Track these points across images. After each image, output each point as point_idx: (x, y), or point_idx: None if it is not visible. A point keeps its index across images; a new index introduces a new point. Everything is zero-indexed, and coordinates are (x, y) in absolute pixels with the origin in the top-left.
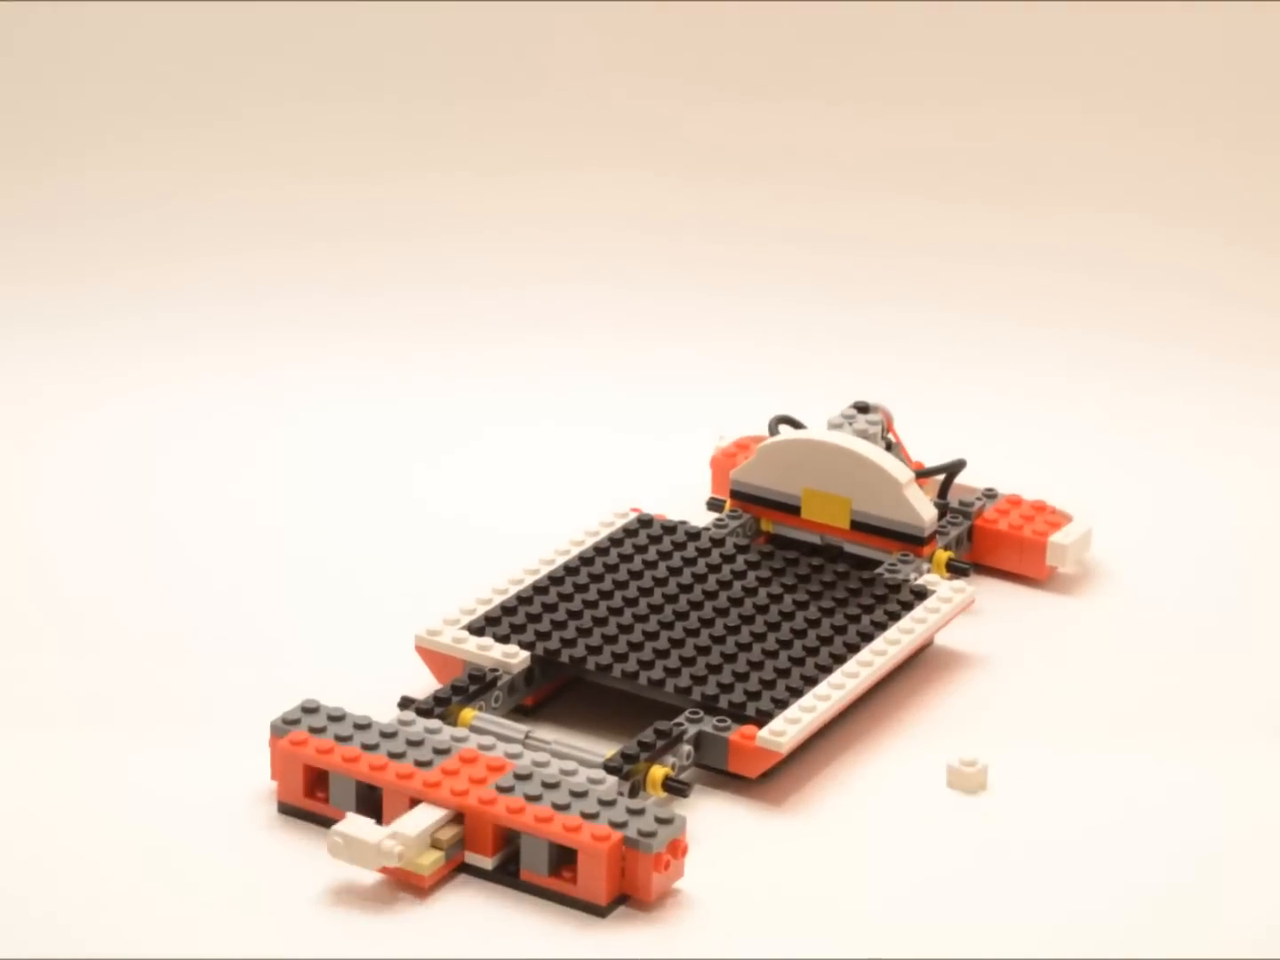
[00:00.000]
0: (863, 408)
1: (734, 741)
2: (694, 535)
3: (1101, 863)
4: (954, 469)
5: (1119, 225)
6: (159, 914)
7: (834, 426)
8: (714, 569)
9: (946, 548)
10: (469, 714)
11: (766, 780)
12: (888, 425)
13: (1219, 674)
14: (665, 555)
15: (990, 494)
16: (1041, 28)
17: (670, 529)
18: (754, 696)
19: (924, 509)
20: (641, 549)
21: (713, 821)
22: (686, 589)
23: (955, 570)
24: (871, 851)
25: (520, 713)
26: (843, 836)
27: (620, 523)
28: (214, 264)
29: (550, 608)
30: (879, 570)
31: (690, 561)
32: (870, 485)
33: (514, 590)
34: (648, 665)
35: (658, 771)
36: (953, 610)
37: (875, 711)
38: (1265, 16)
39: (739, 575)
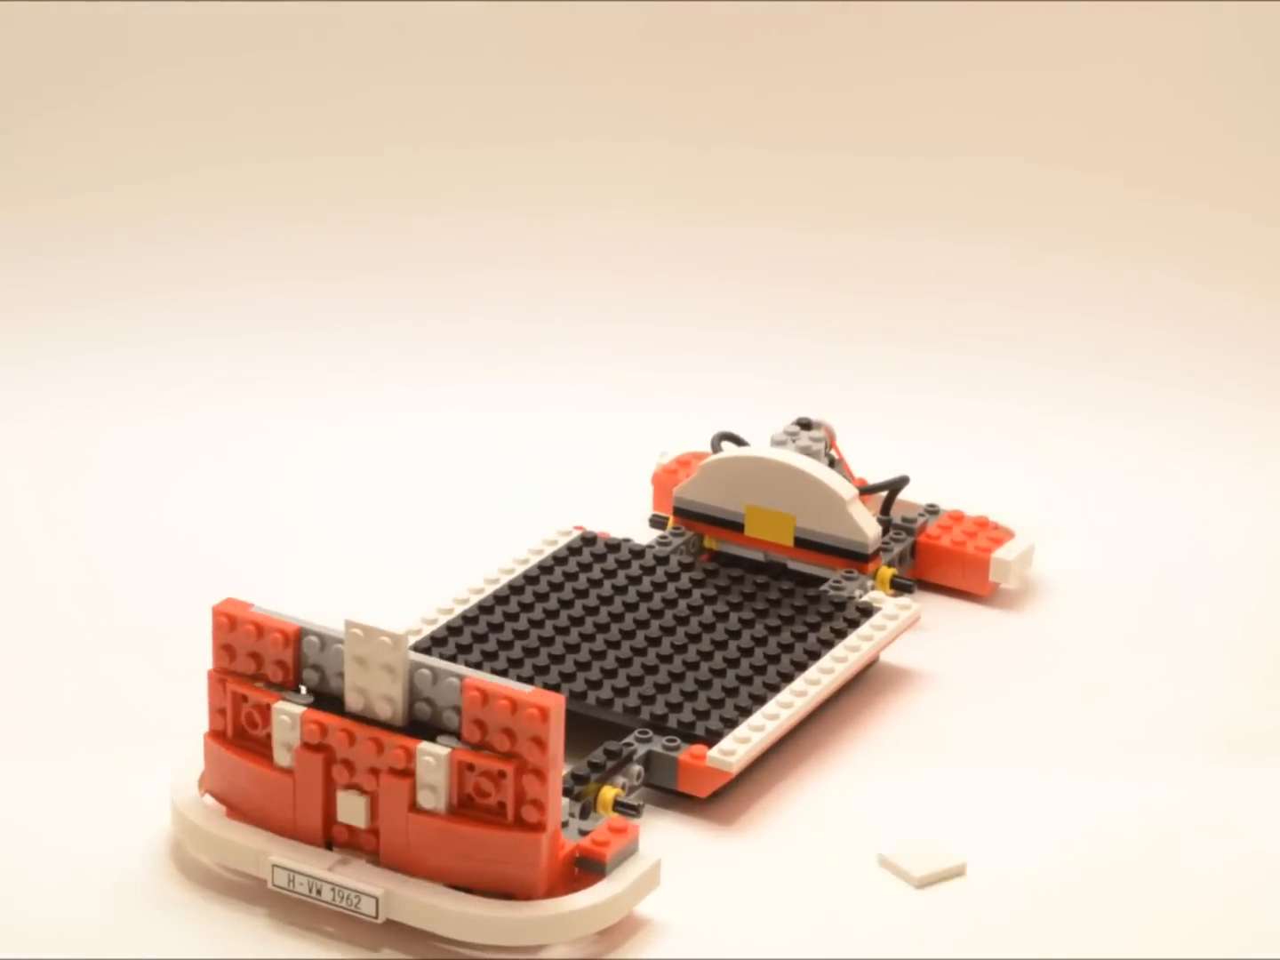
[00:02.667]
0: (805, 424)
1: (684, 761)
2: (638, 553)
3: (1047, 875)
4: (897, 485)
5: (1060, 254)
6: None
7: (777, 443)
8: (658, 587)
9: (890, 564)
10: None
11: (715, 800)
12: (830, 442)
13: (1162, 690)
14: (609, 574)
15: (932, 510)
16: (1009, 63)
17: (614, 547)
18: (703, 716)
19: (868, 526)
20: (586, 567)
21: (662, 841)
22: (631, 608)
23: (899, 587)
24: (820, 871)
25: None
26: (791, 856)
27: (564, 541)
28: (195, 283)
29: (496, 627)
30: (824, 588)
31: (634, 580)
32: (814, 502)
33: (459, 610)
34: (595, 685)
35: (608, 792)
36: (899, 627)
37: (822, 730)
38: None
39: (684, 593)
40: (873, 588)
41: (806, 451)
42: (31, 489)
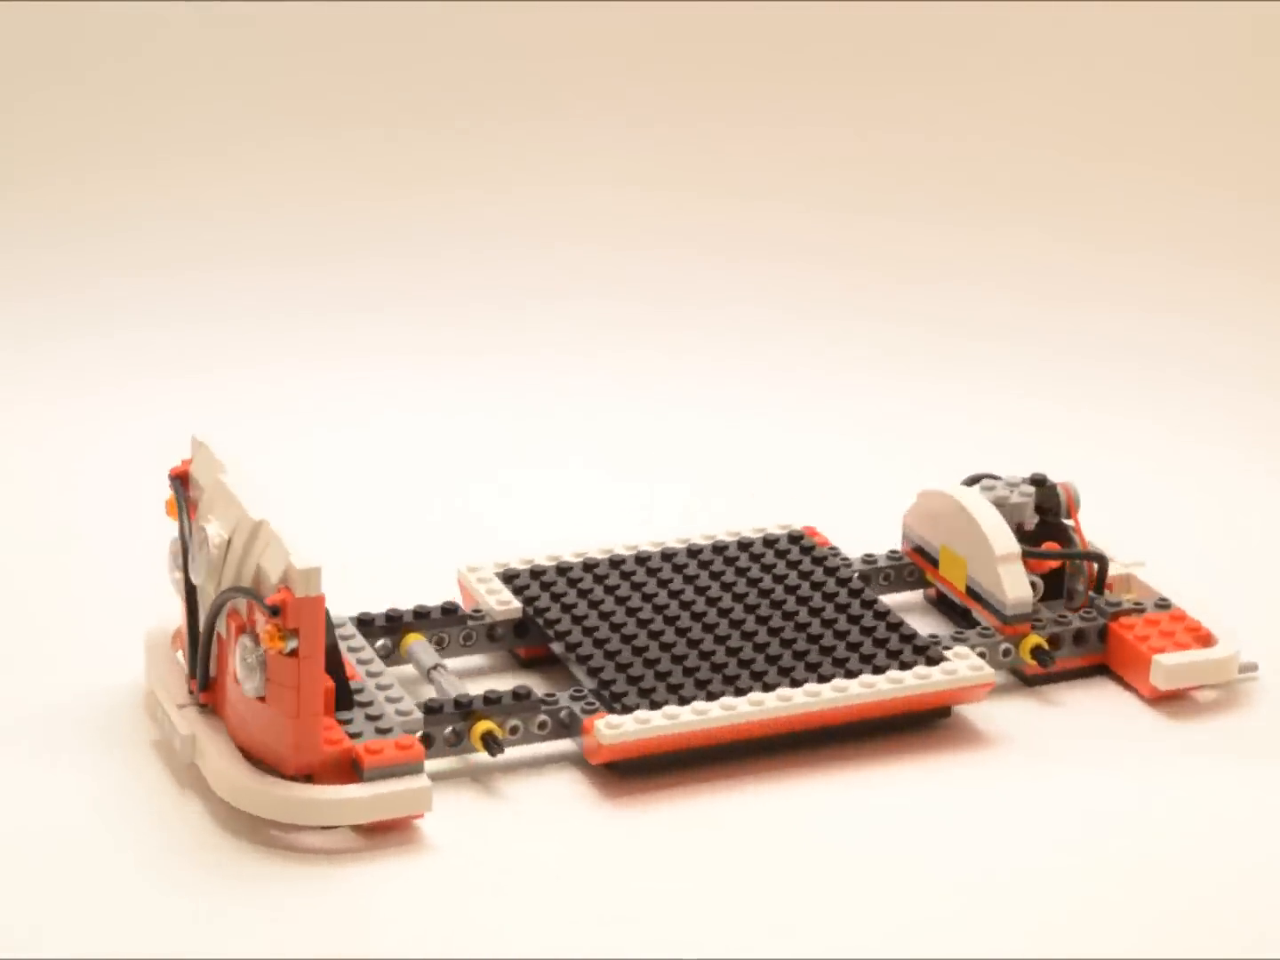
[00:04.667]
0: (1038, 481)
1: (585, 725)
2: (821, 559)
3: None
4: (1091, 558)
5: None
6: None
7: (986, 489)
8: (772, 587)
9: (1054, 639)
10: (411, 638)
11: (635, 778)
12: (1069, 506)
13: None
14: (743, 570)
15: (1162, 604)
16: (1029, 55)
17: (807, 549)
18: (645, 693)
19: (1013, 588)
20: (757, 558)
21: (544, 798)
22: (739, 598)
23: (1038, 659)
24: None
25: (515, 662)
26: (669, 843)
27: (773, 531)
28: (194, 274)
29: (585, 592)
30: (928, 635)
31: (755, 581)
32: (979, 551)
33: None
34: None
35: (482, 725)
36: (939, 687)
37: (806, 761)
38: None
39: (766, 594)
40: (1006, 652)
41: (1001, 501)
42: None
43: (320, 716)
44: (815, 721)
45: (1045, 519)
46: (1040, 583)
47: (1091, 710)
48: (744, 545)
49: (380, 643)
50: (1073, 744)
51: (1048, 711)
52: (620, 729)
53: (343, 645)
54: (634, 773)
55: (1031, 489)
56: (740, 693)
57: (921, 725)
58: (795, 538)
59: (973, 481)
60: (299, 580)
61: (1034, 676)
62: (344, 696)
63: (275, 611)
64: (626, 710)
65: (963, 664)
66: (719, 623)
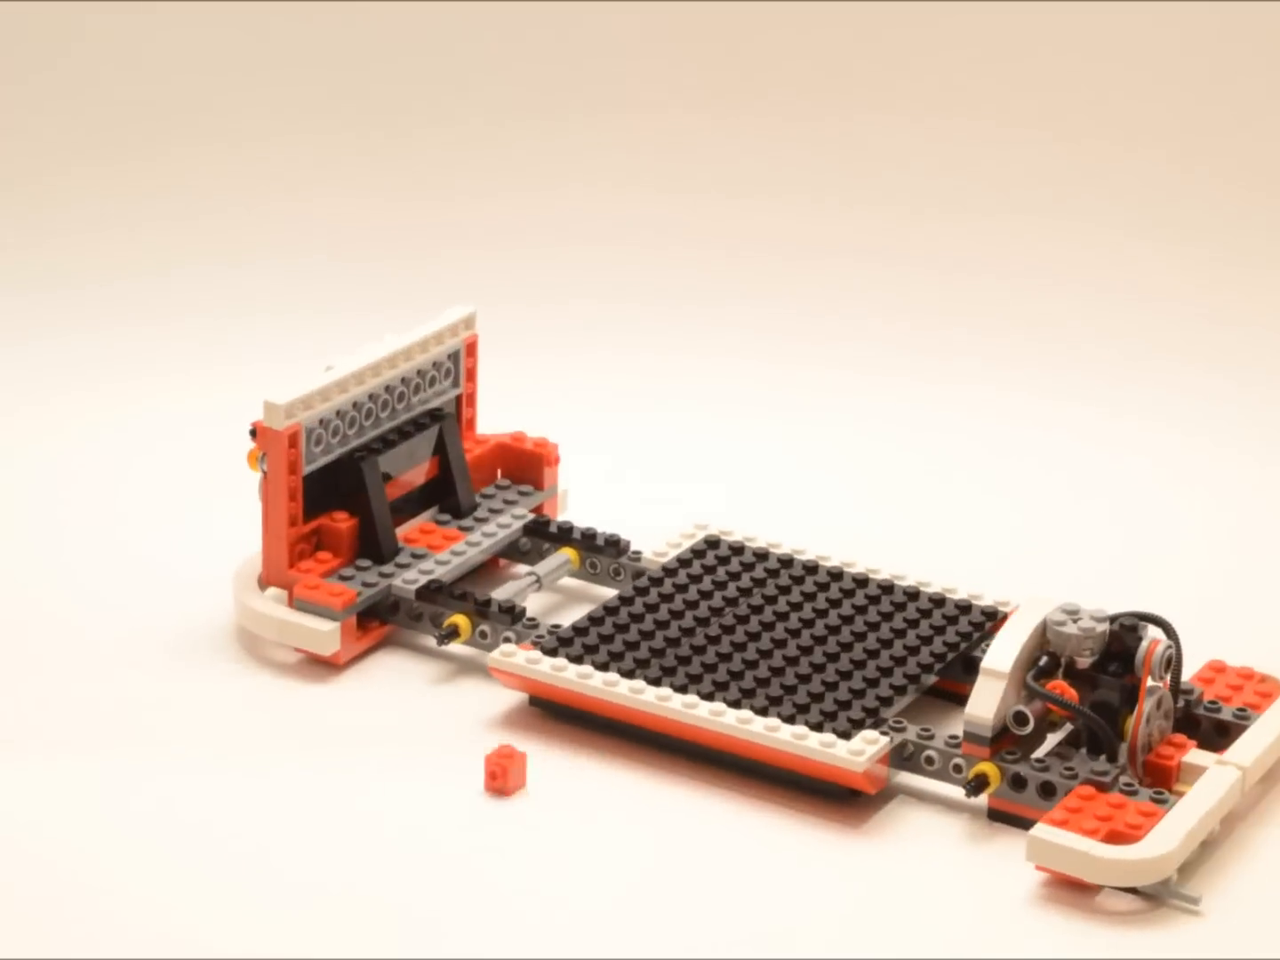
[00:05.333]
0: (1127, 626)
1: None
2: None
3: None
4: (1080, 715)
5: None
6: None
7: (1067, 611)
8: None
9: (1046, 794)
10: (563, 551)
11: (567, 727)
12: (1145, 662)
13: None
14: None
15: (1159, 796)
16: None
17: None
18: (588, 649)
19: (976, 704)
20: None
21: (467, 703)
22: (801, 624)
23: (970, 786)
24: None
25: None
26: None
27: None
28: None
29: (730, 575)
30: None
31: (870, 618)
32: None
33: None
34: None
35: (456, 618)
36: (805, 754)
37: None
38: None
39: (851, 637)
40: (957, 768)
41: (1053, 625)
42: None
43: (284, 539)
44: (687, 734)
45: (1107, 668)
46: (1031, 717)
47: (972, 861)
48: (908, 594)
49: (546, 547)
50: (903, 879)
51: (945, 841)
52: (511, 659)
53: (482, 530)
54: (562, 719)
55: (1097, 625)
56: (655, 684)
57: (840, 798)
58: (962, 607)
59: (1150, 619)
60: (267, 413)
61: (994, 812)
62: (370, 548)
63: (253, 433)
64: (550, 654)
65: (846, 745)
66: (760, 637)
